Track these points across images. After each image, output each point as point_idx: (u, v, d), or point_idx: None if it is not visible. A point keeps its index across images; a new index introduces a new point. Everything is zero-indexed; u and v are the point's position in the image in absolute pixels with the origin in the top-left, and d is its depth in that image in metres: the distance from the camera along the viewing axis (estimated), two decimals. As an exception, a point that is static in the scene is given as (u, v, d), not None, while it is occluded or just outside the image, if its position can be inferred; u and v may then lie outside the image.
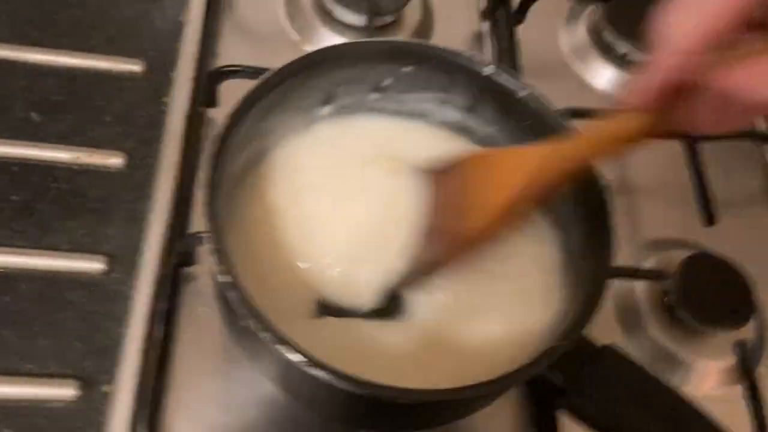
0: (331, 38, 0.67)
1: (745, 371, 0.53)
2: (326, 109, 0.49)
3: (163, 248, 0.52)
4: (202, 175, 0.38)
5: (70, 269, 0.51)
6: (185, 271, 0.52)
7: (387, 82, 0.47)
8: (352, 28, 0.67)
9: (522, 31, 0.71)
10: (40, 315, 0.49)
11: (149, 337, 0.49)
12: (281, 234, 0.44)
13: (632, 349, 0.56)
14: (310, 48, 0.65)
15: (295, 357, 0.34)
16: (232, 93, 0.59)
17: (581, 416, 0.37)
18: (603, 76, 0.72)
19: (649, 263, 0.60)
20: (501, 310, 0.45)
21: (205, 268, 0.52)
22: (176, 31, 0.63)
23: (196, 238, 0.49)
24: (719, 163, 0.65)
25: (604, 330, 0.57)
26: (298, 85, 0.44)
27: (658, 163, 0.67)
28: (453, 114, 0.49)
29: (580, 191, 0.43)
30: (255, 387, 0.49)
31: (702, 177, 0.60)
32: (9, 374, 0.46)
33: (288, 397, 0.48)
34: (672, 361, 0.56)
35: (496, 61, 0.69)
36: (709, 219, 0.58)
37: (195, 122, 0.58)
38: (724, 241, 0.61)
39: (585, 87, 0.70)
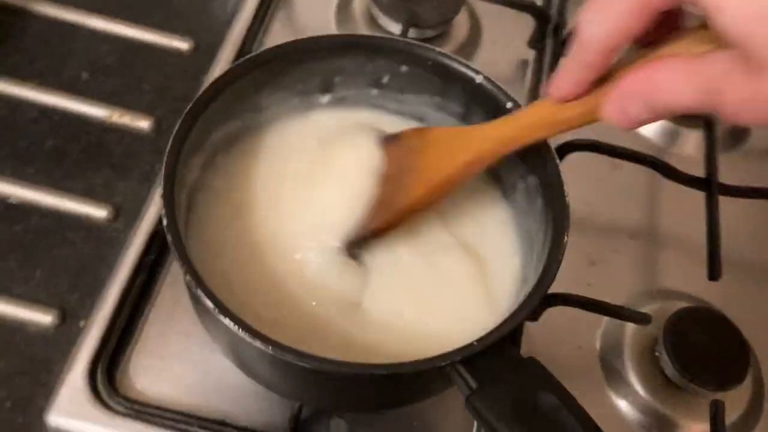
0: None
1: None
2: (326, 98, 0.51)
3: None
4: (166, 159, 0.41)
5: (77, 212, 0.55)
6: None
7: (385, 79, 0.49)
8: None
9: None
10: (41, 247, 0.53)
11: (131, 285, 0.52)
12: (252, 213, 0.46)
13: (614, 398, 0.54)
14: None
15: (230, 323, 0.36)
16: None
17: (479, 418, 0.37)
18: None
19: (645, 309, 0.58)
20: (469, 292, 0.46)
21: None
22: (229, 18, 0.68)
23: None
24: (739, 216, 0.63)
25: (586, 372, 0.55)
26: (292, 67, 0.47)
27: (682, 211, 0.65)
28: (448, 121, 0.50)
29: (534, 167, 0.44)
30: (218, 352, 0.51)
31: (715, 229, 0.58)
32: (2, 293, 0.51)
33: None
34: (650, 415, 0.54)
35: (535, 89, 0.70)
36: (713, 274, 0.56)
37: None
38: (727, 299, 0.58)
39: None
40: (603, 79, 0.36)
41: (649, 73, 0.34)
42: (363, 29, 0.70)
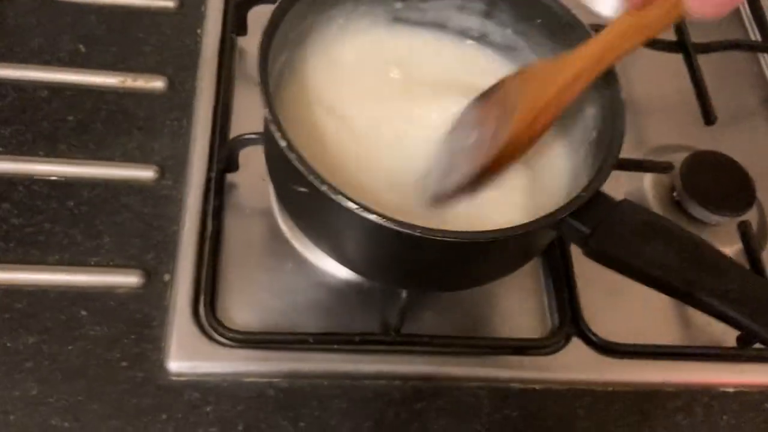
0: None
1: (748, 248, 0.58)
2: (355, 15, 0.53)
3: (209, 156, 0.57)
4: (258, 53, 0.42)
5: (125, 177, 0.55)
6: (228, 178, 0.56)
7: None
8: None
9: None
10: (101, 216, 0.54)
11: (202, 232, 0.53)
12: (325, 133, 0.48)
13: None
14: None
15: (350, 204, 0.38)
16: (259, 23, 0.63)
17: (604, 257, 0.42)
18: (607, 3, 0.76)
19: (655, 163, 0.64)
20: (519, 202, 0.49)
21: (245, 177, 0.57)
22: (203, -30, 0.68)
23: (239, 141, 0.54)
24: (716, 75, 0.70)
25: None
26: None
27: (658, 77, 0.71)
28: (471, 20, 0.54)
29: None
30: (299, 276, 0.54)
31: (700, 82, 0.64)
32: (79, 265, 0.51)
33: (332, 278, 0.53)
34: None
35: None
36: (708, 119, 0.62)
37: (227, 49, 0.63)
38: (723, 144, 0.65)
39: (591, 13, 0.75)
40: None
41: None
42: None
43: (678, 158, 0.63)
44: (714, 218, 0.60)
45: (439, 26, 0.55)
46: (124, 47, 0.62)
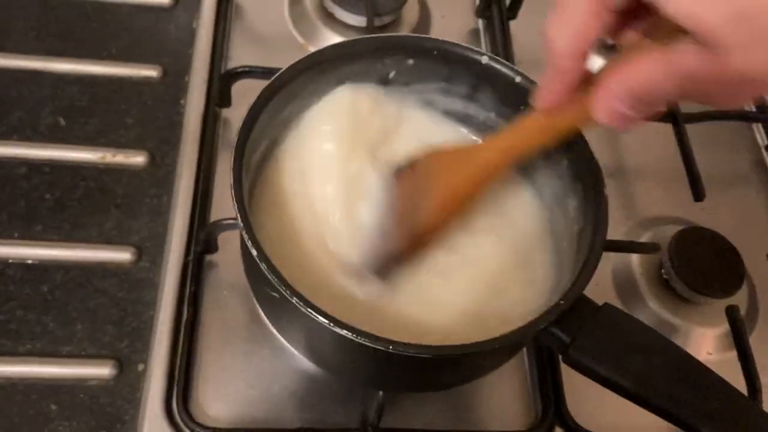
0: (333, 39, 0.70)
1: (736, 333, 0.56)
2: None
3: (187, 237, 0.56)
4: (232, 157, 0.42)
5: (101, 260, 0.55)
6: (207, 258, 0.55)
7: (392, 74, 0.51)
8: (353, 29, 0.71)
9: (514, 26, 0.74)
10: (75, 302, 0.53)
11: (178, 319, 0.52)
12: (293, 216, 0.48)
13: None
14: (314, 48, 0.70)
15: (321, 319, 0.37)
16: (243, 93, 0.63)
17: (584, 369, 0.41)
18: (592, 64, 0.75)
19: (644, 239, 0.63)
20: (490, 282, 0.48)
21: (224, 256, 0.56)
22: (189, 37, 0.67)
23: (218, 225, 0.53)
24: (707, 143, 0.69)
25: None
26: (308, 80, 0.48)
27: (648, 146, 0.70)
28: (455, 102, 0.53)
29: (571, 163, 0.46)
30: (277, 363, 0.53)
31: (689, 155, 0.63)
32: (51, 356, 0.50)
33: (311, 366, 0.52)
34: (670, 329, 0.59)
35: (493, 54, 0.73)
36: (698, 195, 0.61)
37: (210, 122, 0.62)
38: (713, 216, 0.64)
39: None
40: (588, 84, 0.38)
41: (628, 69, 0.35)
42: (319, 24, 0.71)
43: (667, 232, 0.62)
44: (702, 299, 0.59)
45: (424, 105, 0.54)
46: (106, 119, 0.61)
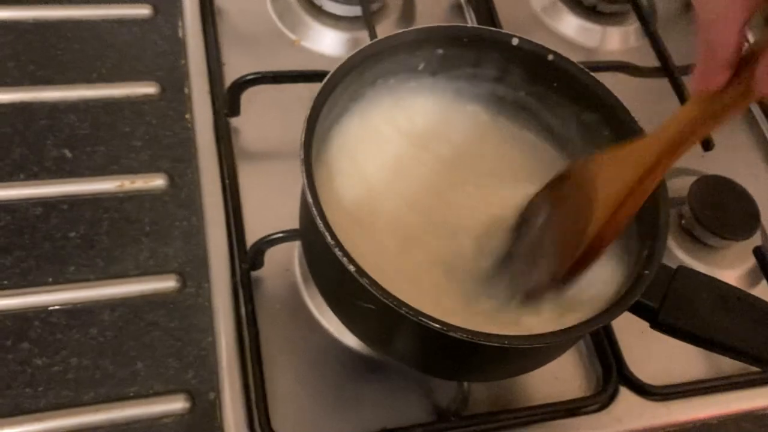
0: (325, 32, 0.69)
1: (765, 270, 0.60)
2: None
3: (229, 256, 0.54)
4: (301, 155, 0.41)
5: (144, 292, 0.52)
6: (253, 275, 0.54)
7: (421, 66, 0.51)
8: (343, 19, 0.69)
9: (497, -2, 0.75)
10: (129, 340, 0.50)
11: (240, 340, 0.51)
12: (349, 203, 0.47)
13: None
14: (307, 44, 0.69)
15: (435, 325, 0.37)
16: (248, 99, 0.61)
17: (675, 331, 0.42)
18: (573, 27, 0.77)
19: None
20: None
21: (268, 269, 0.55)
22: (178, 47, 0.65)
23: (267, 242, 0.52)
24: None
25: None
26: (351, 80, 0.47)
27: (649, 103, 0.72)
28: (483, 86, 0.53)
29: None
30: (345, 368, 0.53)
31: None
32: (118, 399, 0.48)
33: (378, 367, 0.52)
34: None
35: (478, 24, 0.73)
36: (707, 145, 0.64)
37: (224, 133, 0.60)
38: (717, 163, 0.67)
39: (559, 39, 0.75)
40: (747, 61, 0.35)
41: None
42: (306, 17, 0.70)
43: (682, 184, 0.64)
44: (725, 243, 0.62)
45: (454, 91, 0.54)
46: (113, 145, 0.59)
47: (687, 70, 0.69)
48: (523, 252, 0.46)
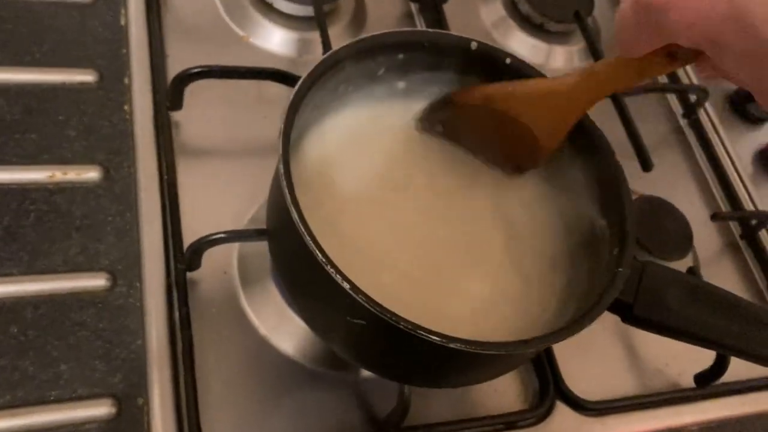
0: (273, 29, 0.68)
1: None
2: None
3: (164, 256, 0.52)
4: (279, 147, 0.40)
5: (72, 289, 0.50)
6: (189, 276, 0.52)
7: (381, 71, 0.50)
8: (294, 18, 0.68)
9: (447, 8, 0.75)
10: (53, 340, 0.48)
11: (172, 343, 0.49)
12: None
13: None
14: (256, 42, 0.67)
15: (434, 338, 0.37)
16: (190, 93, 0.59)
17: (650, 324, 0.43)
18: (521, 43, 0.78)
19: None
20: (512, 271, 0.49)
21: (204, 271, 0.53)
22: (118, 35, 0.62)
23: (206, 242, 0.50)
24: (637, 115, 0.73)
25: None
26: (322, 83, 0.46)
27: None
28: (440, 89, 0.52)
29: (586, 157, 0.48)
30: (282, 375, 0.51)
31: (633, 128, 0.67)
32: (38, 403, 0.45)
33: (317, 374, 0.50)
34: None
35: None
36: (646, 166, 0.65)
37: (165, 127, 0.58)
38: (652, 183, 0.68)
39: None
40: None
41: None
42: (255, 14, 0.68)
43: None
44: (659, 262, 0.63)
45: (404, 95, 0.53)
46: (45, 134, 0.55)
47: (631, 91, 0.71)
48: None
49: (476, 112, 0.48)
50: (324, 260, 0.38)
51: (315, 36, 0.64)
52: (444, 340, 0.37)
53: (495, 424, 0.53)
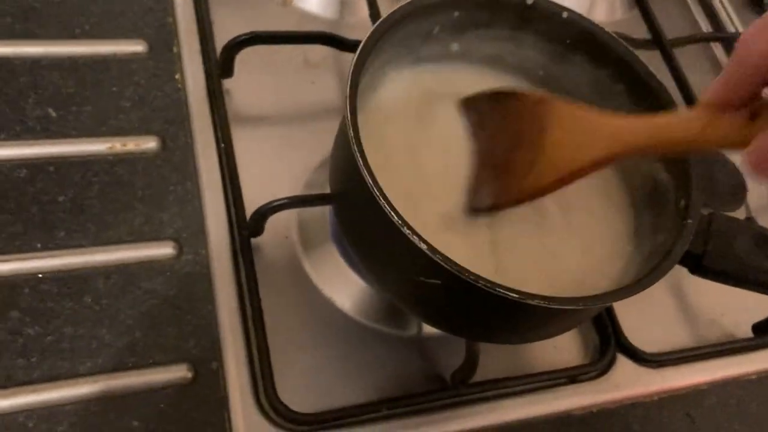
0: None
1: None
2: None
3: (227, 221, 0.52)
4: (347, 106, 0.39)
5: (140, 258, 0.50)
6: (253, 242, 0.53)
7: (436, 30, 0.49)
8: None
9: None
10: (126, 308, 0.48)
11: (242, 309, 0.49)
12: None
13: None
14: (299, 5, 0.67)
15: (512, 295, 0.37)
16: (240, 60, 0.59)
17: (718, 274, 0.43)
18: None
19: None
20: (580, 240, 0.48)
21: (266, 237, 0.53)
22: (163, 4, 0.62)
23: (270, 208, 0.51)
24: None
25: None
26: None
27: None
28: (492, 47, 0.52)
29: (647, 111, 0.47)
30: (348, 338, 0.52)
31: (683, 79, 0.66)
32: (116, 370, 0.46)
33: (382, 335, 0.51)
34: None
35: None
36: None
37: (218, 95, 0.58)
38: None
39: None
40: (756, 113, 0.35)
41: None
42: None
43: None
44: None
45: (461, 56, 0.53)
46: (100, 105, 0.56)
47: (679, 42, 0.70)
48: (481, 160, 0.46)
49: (512, 108, 0.46)
50: (400, 222, 0.38)
51: (355, -3, 0.64)
52: (522, 297, 0.37)
53: (557, 377, 0.54)
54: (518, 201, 0.45)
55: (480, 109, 0.48)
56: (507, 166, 0.46)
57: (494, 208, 0.46)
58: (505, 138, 0.47)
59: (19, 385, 0.45)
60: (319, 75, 0.63)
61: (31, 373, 0.45)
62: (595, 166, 0.42)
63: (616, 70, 0.48)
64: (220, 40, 0.59)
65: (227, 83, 0.60)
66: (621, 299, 0.39)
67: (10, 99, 0.54)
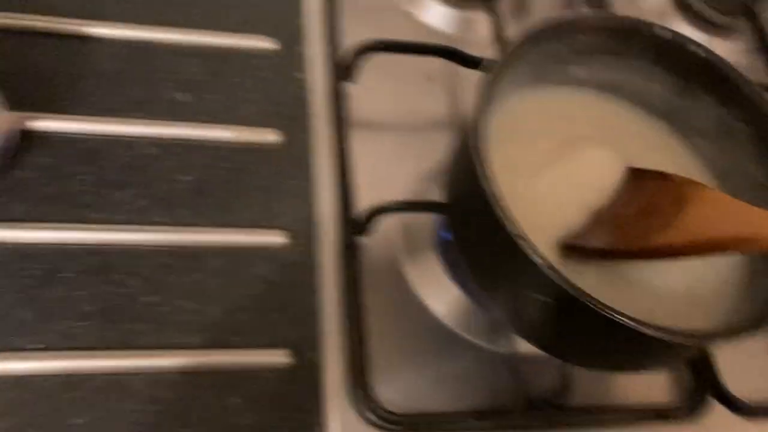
0: (437, 7, 0.69)
1: None
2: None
3: (339, 218, 0.54)
4: (471, 125, 0.40)
5: (252, 244, 0.53)
6: (359, 240, 0.54)
7: (563, 52, 0.50)
8: (460, -2, 0.69)
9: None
10: (236, 289, 0.51)
11: (345, 302, 0.51)
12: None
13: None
14: (423, 17, 0.68)
15: (649, 331, 0.37)
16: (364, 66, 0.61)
17: None
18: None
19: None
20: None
21: (375, 239, 0.55)
22: (295, 6, 0.64)
23: (380, 209, 0.52)
24: None
25: None
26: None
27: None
28: (617, 74, 0.52)
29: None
30: (442, 346, 0.53)
31: None
32: (222, 347, 0.48)
33: (476, 346, 0.52)
34: None
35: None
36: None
37: (341, 98, 0.60)
38: None
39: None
40: None
41: None
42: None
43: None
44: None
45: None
46: (229, 95, 0.59)
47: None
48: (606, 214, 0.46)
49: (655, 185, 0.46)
50: (516, 233, 0.38)
51: (478, 15, 0.65)
52: (639, 326, 0.37)
53: (647, 413, 0.53)
54: (634, 256, 0.44)
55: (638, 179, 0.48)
56: (629, 223, 0.45)
57: (601, 254, 0.45)
58: (638, 201, 0.46)
59: (132, 349, 0.47)
60: (434, 88, 0.65)
61: (146, 340, 0.48)
62: (732, 244, 0.41)
63: (745, 113, 0.48)
64: (346, 44, 0.61)
65: (349, 87, 0.62)
66: (745, 337, 0.39)
67: (149, 81, 0.57)
